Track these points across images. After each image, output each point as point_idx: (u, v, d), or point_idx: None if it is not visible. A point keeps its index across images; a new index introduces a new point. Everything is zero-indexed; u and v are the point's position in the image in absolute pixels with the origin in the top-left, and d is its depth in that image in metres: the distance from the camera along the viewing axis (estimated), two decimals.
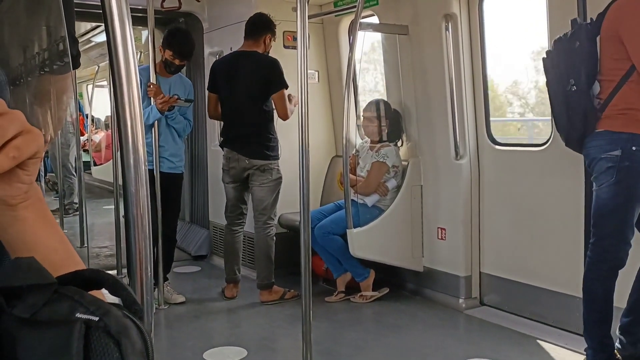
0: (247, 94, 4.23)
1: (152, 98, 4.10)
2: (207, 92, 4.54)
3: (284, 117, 4.20)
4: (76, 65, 1.75)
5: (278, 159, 4.30)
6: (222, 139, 4.45)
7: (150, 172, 3.94)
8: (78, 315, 0.46)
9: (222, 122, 4.49)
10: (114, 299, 0.53)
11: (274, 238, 4.37)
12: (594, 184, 2.84)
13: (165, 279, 4.34)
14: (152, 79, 4.14)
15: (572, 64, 2.80)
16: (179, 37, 4.32)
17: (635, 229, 2.82)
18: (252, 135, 4.25)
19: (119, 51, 0.94)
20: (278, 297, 4.34)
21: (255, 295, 4.40)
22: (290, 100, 4.20)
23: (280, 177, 4.30)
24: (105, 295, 0.54)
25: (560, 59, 2.85)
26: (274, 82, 4.16)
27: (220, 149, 4.50)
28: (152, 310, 1.05)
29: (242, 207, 4.48)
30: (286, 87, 4.17)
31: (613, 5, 2.76)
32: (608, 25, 2.74)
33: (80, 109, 9.30)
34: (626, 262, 2.79)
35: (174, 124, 4.30)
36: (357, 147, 4.66)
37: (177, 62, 4.25)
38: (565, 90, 2.82)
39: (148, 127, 4.07)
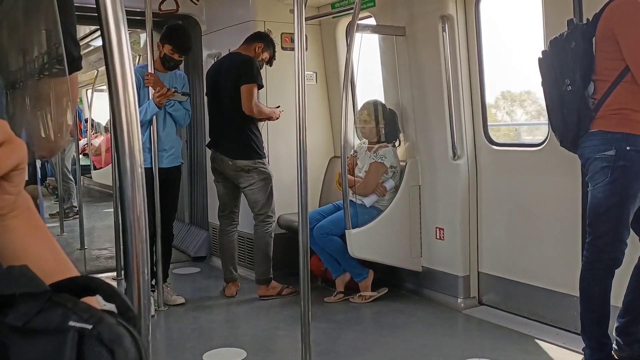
0: (227, 94, 4.28)
1: (149, 93, 4.10)
2: (205, 96, 4.61)
3: (247, 110, 4.20)
4: (78, 67, 1.74)
5: (262, 157, 4.32)
6: (209, 139, 4.53)
7: (148, 170, 3.94)
8: (71, 323, 0.45)
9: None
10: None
11: (272, 235, 4.41)
12: (589, 183, 2.85)
13: (165, 281, 4.34)
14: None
15: (568, 64, 2.80)
16: (179, 31, 4.33)
17: (631, 229, 2.83)
18: (232, 135, 4.29)
19: (114, 55, 0.93)
20: (275, 293, 4.41)
21: (255, 296, 4.42)
22: (269, 114, 4.29)
23: (268, 175, 4.33)
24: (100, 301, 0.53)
25: (556, 59, 2.85)
26: (242, 76, 4.20)
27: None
28: (150, 314, 1.05)
29: (233, 205, 4.50)
30: (256, 83, 4.20)
31: (609, 5, 2.77)
32: (604, 25, 2.75)
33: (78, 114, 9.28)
34: (622, 262, 2.80)
35: (173, 111, 4.28)
36: (355, 147, 4.67)
37: (176, 56, 4.26)
38: (561, 90, 2.82)
39: (146, 123, 4.07)
